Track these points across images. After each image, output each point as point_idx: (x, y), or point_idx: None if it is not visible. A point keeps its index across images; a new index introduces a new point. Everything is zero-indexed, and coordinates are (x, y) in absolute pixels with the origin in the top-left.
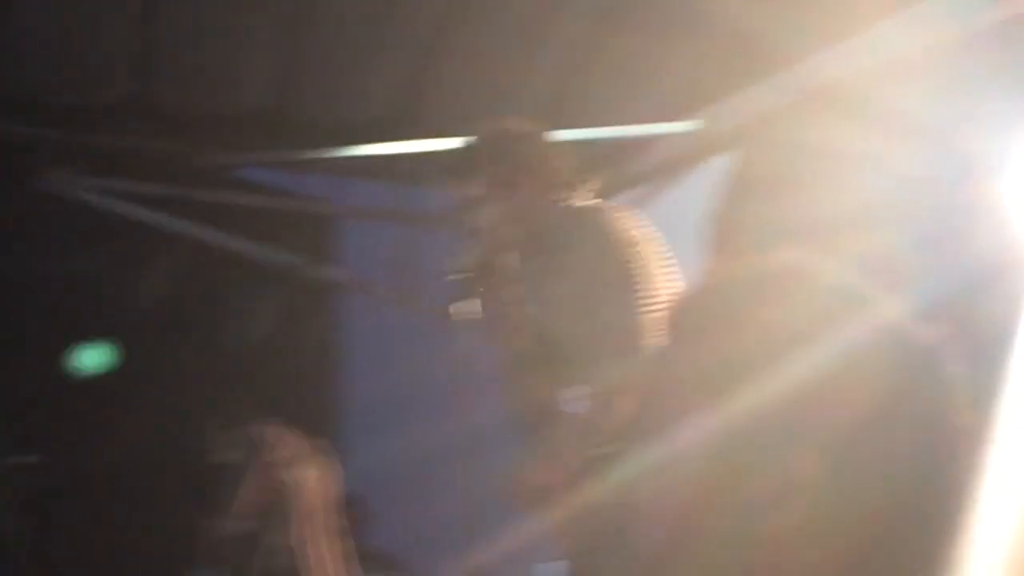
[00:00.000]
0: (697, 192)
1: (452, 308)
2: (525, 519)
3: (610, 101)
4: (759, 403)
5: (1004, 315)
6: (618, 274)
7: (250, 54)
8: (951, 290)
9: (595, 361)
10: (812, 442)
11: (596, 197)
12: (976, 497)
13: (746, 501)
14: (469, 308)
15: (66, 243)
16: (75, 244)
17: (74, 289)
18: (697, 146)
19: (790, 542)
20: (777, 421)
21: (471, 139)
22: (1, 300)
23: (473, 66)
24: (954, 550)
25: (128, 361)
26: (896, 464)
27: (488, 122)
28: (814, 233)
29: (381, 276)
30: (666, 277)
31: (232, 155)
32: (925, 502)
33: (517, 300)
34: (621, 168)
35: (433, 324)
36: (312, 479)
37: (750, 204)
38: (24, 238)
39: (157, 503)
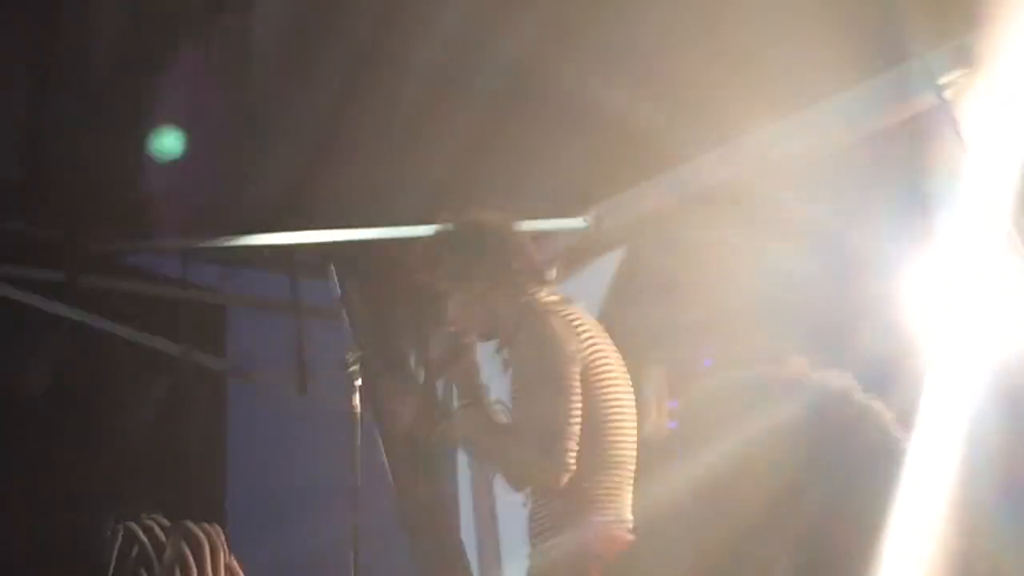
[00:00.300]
0: (586, 289)
1: (352, 400)
2: None
3: (498, 195)
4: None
5: (899, 413)
6: (550, 374)
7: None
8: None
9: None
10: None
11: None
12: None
13: None
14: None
15: None
16: None
17: None
18: (586, 243)
19: None
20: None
21: (439, 228)
22: None
23: (366, 158)
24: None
25: (8, 449)
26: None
27: (456, 213)
28: (703, 331)
29: (271, 366)
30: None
31: (122, 241)
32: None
33: (390, 394)
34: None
35: (324, 416)
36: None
37: (638, 302)
38: None
39: None
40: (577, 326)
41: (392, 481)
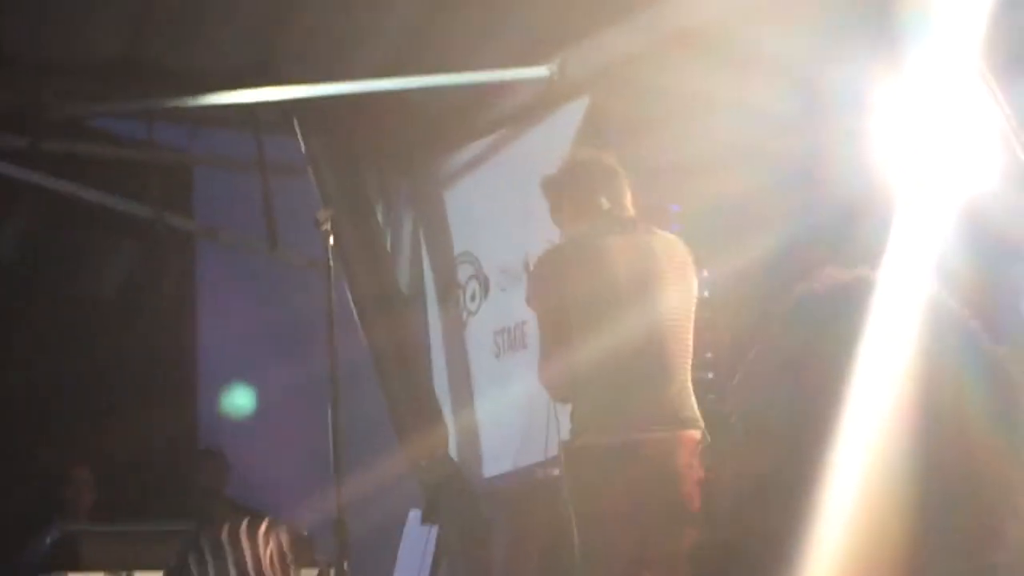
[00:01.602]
0: (555, 135)
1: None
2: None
3: (466, 45)
4: None
5: (869, 249)
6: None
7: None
8: (818, 226)
9: None
10: None
11: None
12: None
13: None
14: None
15: None
16: None
17: None
18: (550, 92)
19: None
20: None
21: None
22: None
23: (329, 11)
24: None
25: None
26: None
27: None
28: (674, 173)
29: (239, 225)
30: None
31: (87, 105)
32: None
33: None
34: (476, 114)
35: (290, 272)
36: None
37: (606, 148)
38: None
39: None
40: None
41: (362, 329)
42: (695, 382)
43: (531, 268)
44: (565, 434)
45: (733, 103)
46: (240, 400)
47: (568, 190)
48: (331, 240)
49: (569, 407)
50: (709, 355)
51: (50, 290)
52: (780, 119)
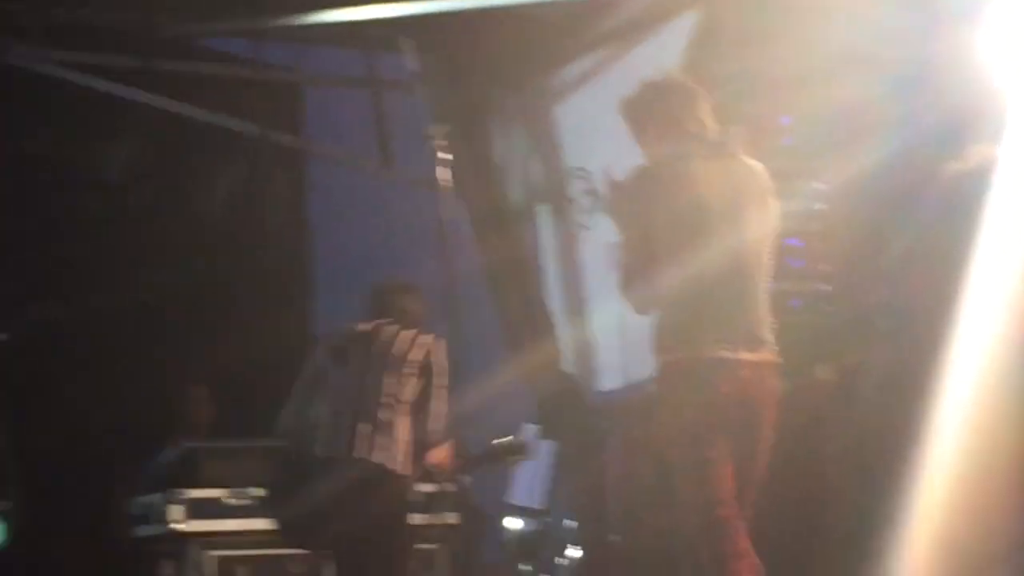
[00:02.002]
0: (666, 49)
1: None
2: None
3: None
4: None
5: (976, 165)
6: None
7: None
8: (922, 139)
9: None
10: None
11: None
12: None
13: None
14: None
15: (29, 117)
16: (38, 118)
17: (40, 164)
18: (665, 2)
19: None
20: None
21: None
22: None
23: None
24: None
25: (93, 235)
26: None
27: None
28: (785, 85)
29: (349, 143)
30: None
31: (197, 24)
32: None
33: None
34: (588, 28)
35: (400, 188)
36: None
37: (716, 59)
38: None
39: None
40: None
41: (475, 244)
42: (811, 295)
43: (615, 186)
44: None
45: (845, 12)
46: None
47: (652, 112)
48: (443, 155)
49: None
50: (824, 268)
51: (160, 209)
52: (893, 28)
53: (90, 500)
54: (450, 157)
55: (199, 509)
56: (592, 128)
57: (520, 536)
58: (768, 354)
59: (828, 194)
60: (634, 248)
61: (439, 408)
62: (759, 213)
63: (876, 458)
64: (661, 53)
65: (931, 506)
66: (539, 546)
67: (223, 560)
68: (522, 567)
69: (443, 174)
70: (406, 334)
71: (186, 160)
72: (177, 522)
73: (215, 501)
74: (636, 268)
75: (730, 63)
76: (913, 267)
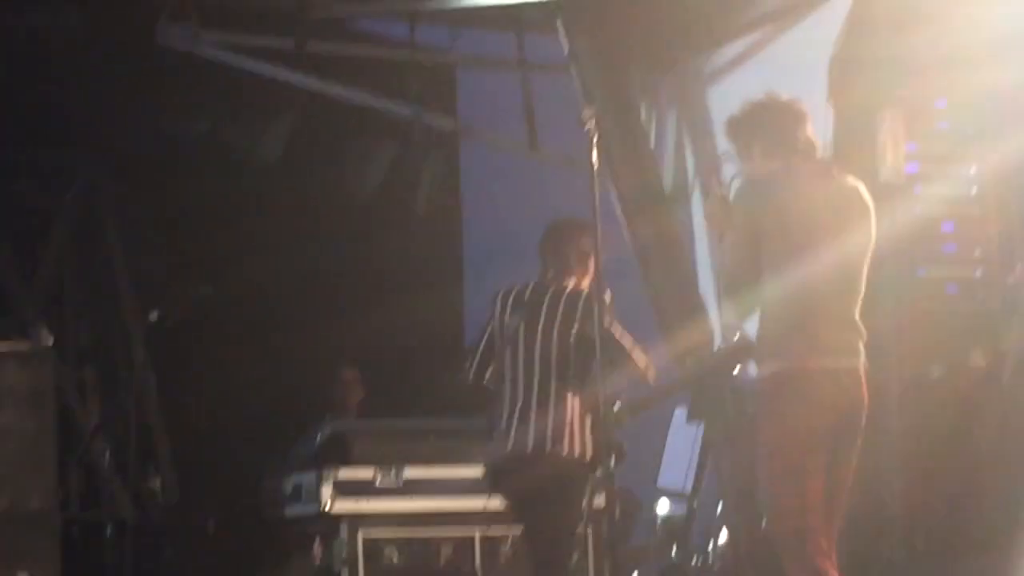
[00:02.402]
0: (820, 32)
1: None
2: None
3: None
4: None
5: None
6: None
7: None
8: None
9: None
10: None
11: None
12: None
13: None
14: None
15: (183, 99)
16: (192, 100)
17: (197, 146)
18: None
19: None
20: None
21: None
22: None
23: None
24: None
25: (247, 217)
26: None
27: None
28: (940, 68)
29: (501, 125)
30: None
31: (351, 5)
32: None
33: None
34: (742, 10)
35: (551, 169)
36: None
37: (873, 40)
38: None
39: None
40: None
41: (626, 226)
42: (963, 281)
43: (723, 198)
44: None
45: None
46: None
47: (760, 130)
48: (595, 138)
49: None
50: (978, 252)
51: (314, 188)
52: None
53: (242, 478)
54: (600, 139)
55: (349, 489)
56: None
57: (669, 519)
58: (862, 364)
59: (982, 178)
60: (740, 257)
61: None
62: (860, 229)
63: (1019, 444)
64: (815, 36)
65: None
66: (688, 529)
67: (372, 541)
68: (672, 551)
69: (594, 156)
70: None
71: (339, 142)
72: (327, 502)
73: (365, 481)
74: (740, 276)
75: (884, 46)
76: None
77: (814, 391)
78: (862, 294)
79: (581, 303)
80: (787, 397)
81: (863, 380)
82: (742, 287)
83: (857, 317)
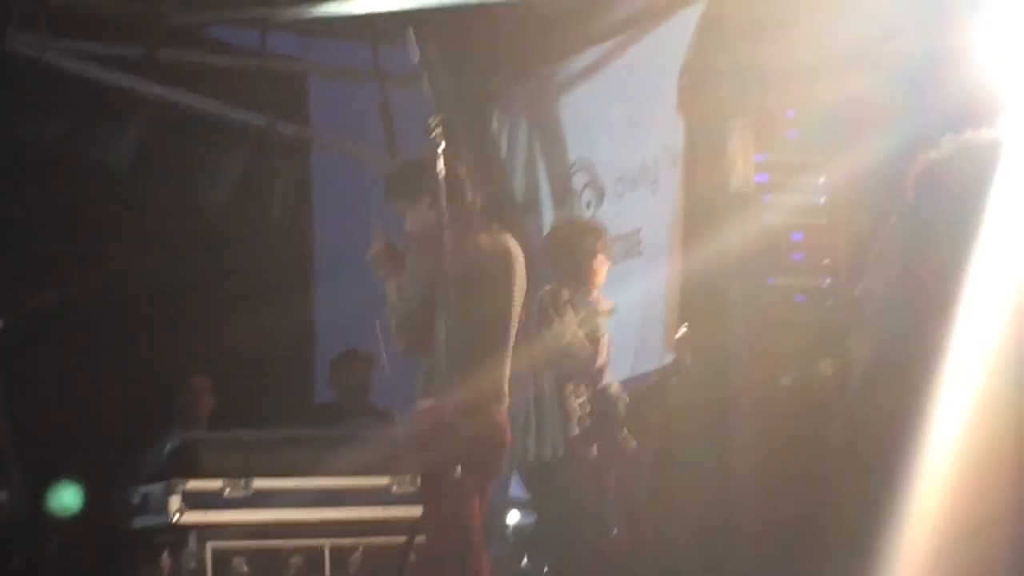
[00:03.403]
0: (670, 43)
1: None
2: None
3: None
4: None
5: (982, 155)
6: None
7: None
8: (928, 131)
9: None
10: None
11: None
12: None
13: None
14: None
15: (32, 106)
16: (41, 106)
17: (43, 153)
18: None
19: None
20: None
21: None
22: None
23: None
24: None
25: (96, 217)
26: None
27: None
28: (790, 78)
29: (354, 134)
30: None
31: (203, 13)
32: None
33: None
34: (593, 20)
35: None
36: None
37: (723, 51)
38: None
39: None
40: None
41: None
42: (812, 290)
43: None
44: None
45: (848, 7)
46: (67, 499)
47: (423, 185)
48: (441, 146)
49: None
50: (826, 261)
51: (164, 197)
52: (895, 23)
53: (91, 488)
54: (449, 147)
55: (198, 499)
56: (596, 121)
57: (519, 528)
58: (505, 408)
59: (832, 188)
60: (407, 300)
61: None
62: (515, 281)
63: (867, 449)
64: (666, 45)
65: (926, 497)
66: (540, 539)
67: (221, 551)
68: (523, 560)
69: (440, 167)
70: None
71: (191, 150)
72: (176, 512)
73: (214, 492)
74: (414, 316)
75: (735, 55)
76: (889, 256)
77: (464, 428)
78: (512, 340)
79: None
80: (440, 432)
81: (506, 423)
82: (417, 327)
83: (506, 361)
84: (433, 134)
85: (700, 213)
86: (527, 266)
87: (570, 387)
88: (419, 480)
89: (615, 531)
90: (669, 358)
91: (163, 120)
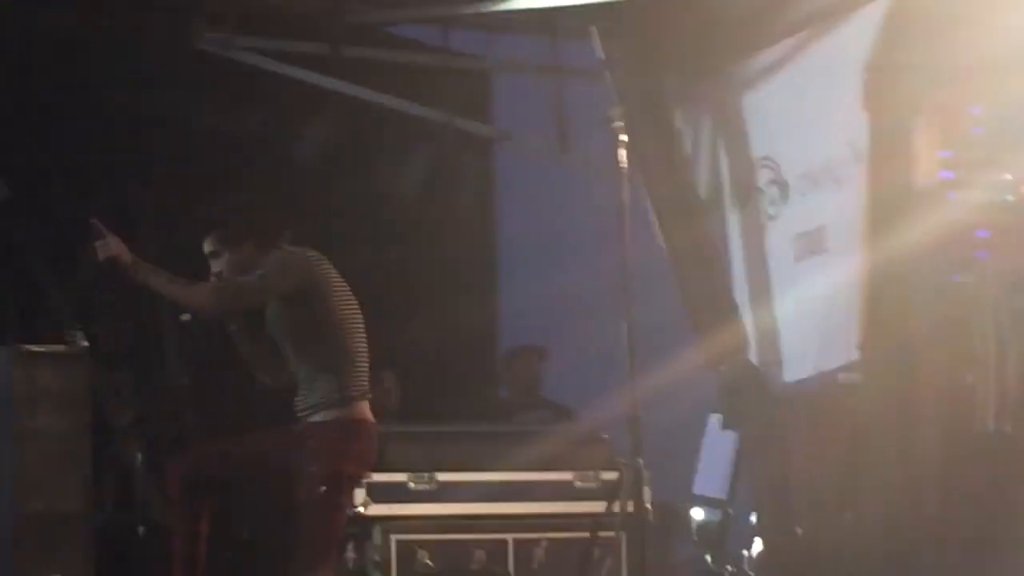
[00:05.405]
0: (854, 39)
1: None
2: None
3: None
4: None
5: None
6: None
7: None
8: None
9: None
10: None
11: None
12: None
13: None
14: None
15: (223, 101)
16: (231, 102)
17: (234, 146)
18: None
19: None
20: None
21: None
22: (166, 155)
23: None
24: None
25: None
26: None
27: None
28: (976, 74)
29: (535, 129)
30: None
31: (386, 11)
32: None
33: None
34: (778, 16)
35: (587, 174)
36: None
37: (908, 48)
38: (184, 96)
39: None
40: None
41: (659, 231)
42: None
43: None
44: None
45: None
46: None
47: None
48: (622, 137)
49: None
50: (1014, 259)
51: (349, 192)
52: None
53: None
54: (628, 140)
55: (383, 492)
56: (779, 118)
57: (703, 526)
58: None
59: (1017, 185)
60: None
61: None
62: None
63: None
64: (850, 42)
65: None
66: (722, 537)
67: (405, 544)
68: (707, 558)
69: (622, 158)
70: None
71: (377, 146)
72: (361, 505)
73: (399, 485)
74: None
75: (920, 52)
76: None
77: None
78: None
79: None
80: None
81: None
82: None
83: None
84: (613, 124)
85: (884, 210)
86: (712, 264)
87: None
88: None
89: (799, 531)
90: (854, 356)
91: (349, 116)
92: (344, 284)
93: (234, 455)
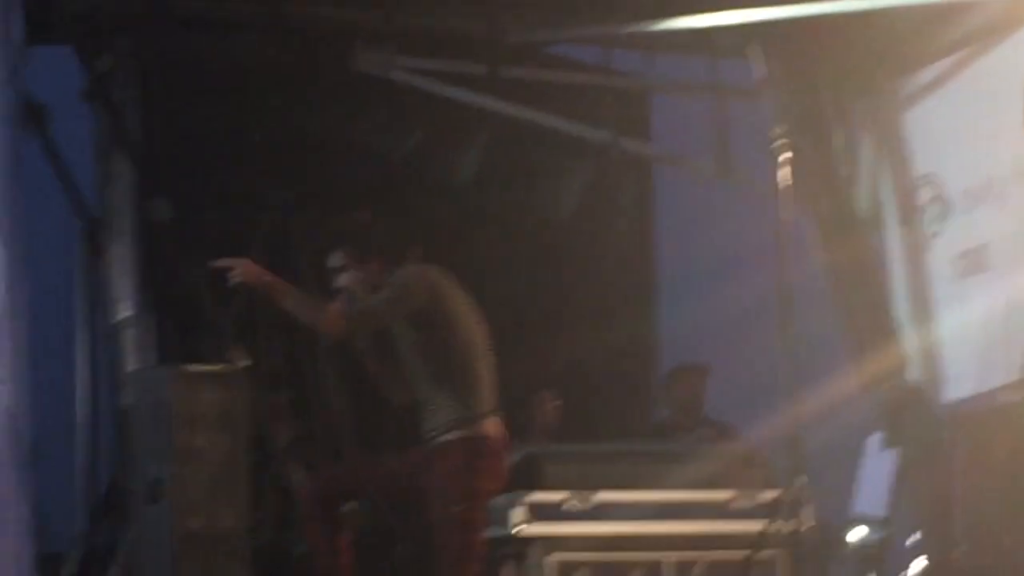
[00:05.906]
0: (1016, 56)
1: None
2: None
3: None
4: None
5: None
6: None
7: None
8: None
9: None
10: None
11: None
12: None
13: None
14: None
15: (381, 122)
16: (389, 123)
17: (390, 165)
18: (1019, 6)
19: None
20: None
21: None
22: (322, 176)
23: None
24: None
25: (438, 240)
26: None
27: None
28: None
29: (694, 149)
30: None
31: (545, 31)
32: None
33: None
34: (939, 33)
35: (746, 195)
36: None
37: None
38: (341, 116)
39: None
40: None
41: (820, 250)
42: None
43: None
44: None
45: None
46: None
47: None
48: (784, 156)
49: None
50: None
51: (507, 211)
52: None
53: None
54: (793, 161)
55: (541, 512)
56: (941, 135)
57: (863, 545)
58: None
59: None
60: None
61: None
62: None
63: None
64: (1011, 60)
65: None
66: (883, 556)
67: (563, 563)
68: None
69: (784, 177)
70: None
71: (534, 166)
72: (520, 524)
73: (556, 504)
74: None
75: None
76: None
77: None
78: None
79: None
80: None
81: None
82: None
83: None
84: (775, 144)
85: None
86: (872, 283)
87: None
88: None
89: (959, 553)
90: (1015, 375)
91: (507, 136)
92: (467, 300)
93: (364, 475)
